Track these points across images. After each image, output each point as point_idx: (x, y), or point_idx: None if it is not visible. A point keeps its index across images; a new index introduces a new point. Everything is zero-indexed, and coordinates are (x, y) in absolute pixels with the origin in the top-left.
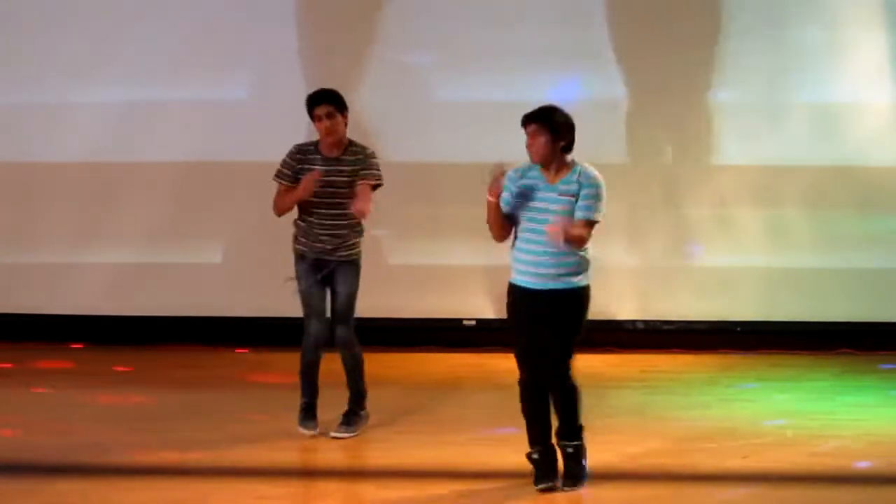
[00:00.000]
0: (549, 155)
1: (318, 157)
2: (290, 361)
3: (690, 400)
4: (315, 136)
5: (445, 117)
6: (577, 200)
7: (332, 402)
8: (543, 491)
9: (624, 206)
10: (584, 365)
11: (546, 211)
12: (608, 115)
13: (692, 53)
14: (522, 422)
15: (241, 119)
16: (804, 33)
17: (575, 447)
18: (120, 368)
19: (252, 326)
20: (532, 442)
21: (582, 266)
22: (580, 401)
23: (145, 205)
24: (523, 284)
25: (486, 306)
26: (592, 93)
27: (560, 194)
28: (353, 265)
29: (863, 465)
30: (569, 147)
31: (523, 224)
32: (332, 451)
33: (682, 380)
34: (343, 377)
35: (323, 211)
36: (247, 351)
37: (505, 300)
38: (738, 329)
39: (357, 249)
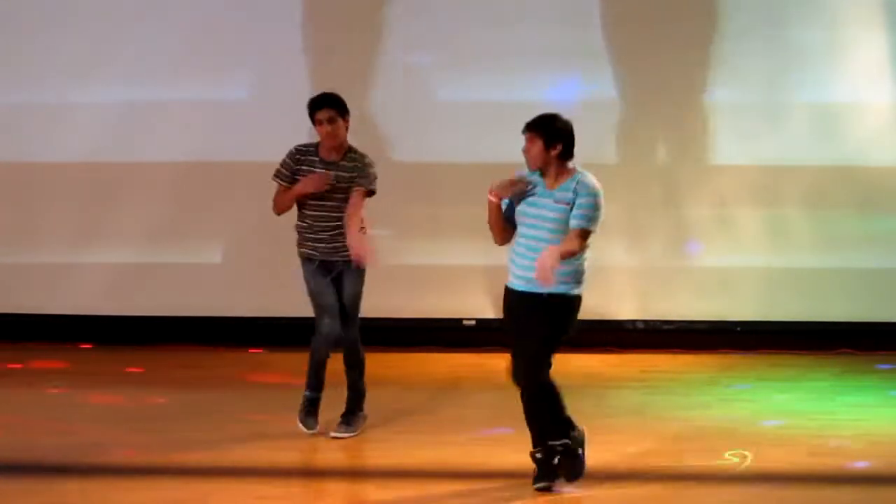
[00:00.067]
0: (543, 162)
1: (318, 159)
2: (290, 361)
3: (690, 400)
4: (316, 138)
5: (445, 117)
6: (572, 209)
7: (332, 401)
8: (540, 490)
9: (624, 207)
10: (584, 365)
11: (541, 217)
12: (608, 115)
13: (692, 53)
14: (522, 422)
15: (241, 119)
16: (804, 33)
17: (563, 444)
18: (120, 368)
19: (252, 326)
20: (534, 442)
21: (574, 276)
22: (559, 398)
23: (145, 205)
24: (517, 288)
25: (486, 306)
26: (592, 93)
27: (555, 201)
28: (358, 266)
29: (862, 464)
30: (566, 154)
31: (519, 228)
32: (331, 451)
33: (682, 380)
34: (343, 377)
35: (318, 213)
36: (247, 351)
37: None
38: (738, 329)
39: None
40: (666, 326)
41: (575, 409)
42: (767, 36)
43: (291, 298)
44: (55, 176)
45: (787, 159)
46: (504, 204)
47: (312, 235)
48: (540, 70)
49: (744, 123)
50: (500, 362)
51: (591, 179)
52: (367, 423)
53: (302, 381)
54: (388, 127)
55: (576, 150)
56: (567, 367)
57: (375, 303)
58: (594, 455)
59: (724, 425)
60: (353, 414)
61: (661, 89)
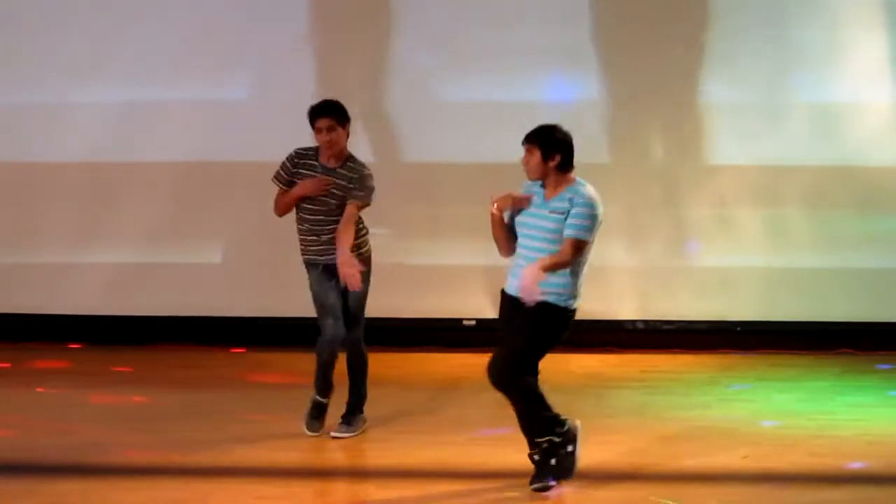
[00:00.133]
0: (542, 173)
1: (317, 164)
2: (290, 361)
3: (690, 400)
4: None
5: (445, 117)
6: (567, 219)
7: (333, 402)
8: (537, 490)
9: (623, 207)
10: (584, 365)
11: (537, 227)
12: (608, 114)
13: (692, 53)
14: None
15: (241, 119)
16: (804, 33)
17: (548, 441)
18: (120, 368)
19: (252, 326)
20: (530, 444)
21: (565, 289)
22: (538, 398)
23: (145, 205)
24: (510, 293)
25: (486, 306)
26: (592, 93)
27: (550, 211)
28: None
29: (862, 465)
30: (565, 165)
31: (519, 238)
32: (332, 451)
33: (682, 380)
34: (344, 377)
35: (315, 218)
36: (247, 351)
37: None
38: (738, 329)
39: (361, 251)
40: (666, 326)
41: (575, 409)
42: (767, 36)
43: (291, 298)
44: (55, 176)
45: (787, 159)
46: (506, 216)
47: (312, 238)
48: (540, 70)
49: (744, 123)
50: None
51: (588, 189)
52: (367, 423)
53: (302, 380)
54: (388, 127)
55: (576, 149)
56: (567, 367)
57: (375, 303)
58: (594, 455)
59: (723, 425)
60: (353, 414)
61: (661, 89)
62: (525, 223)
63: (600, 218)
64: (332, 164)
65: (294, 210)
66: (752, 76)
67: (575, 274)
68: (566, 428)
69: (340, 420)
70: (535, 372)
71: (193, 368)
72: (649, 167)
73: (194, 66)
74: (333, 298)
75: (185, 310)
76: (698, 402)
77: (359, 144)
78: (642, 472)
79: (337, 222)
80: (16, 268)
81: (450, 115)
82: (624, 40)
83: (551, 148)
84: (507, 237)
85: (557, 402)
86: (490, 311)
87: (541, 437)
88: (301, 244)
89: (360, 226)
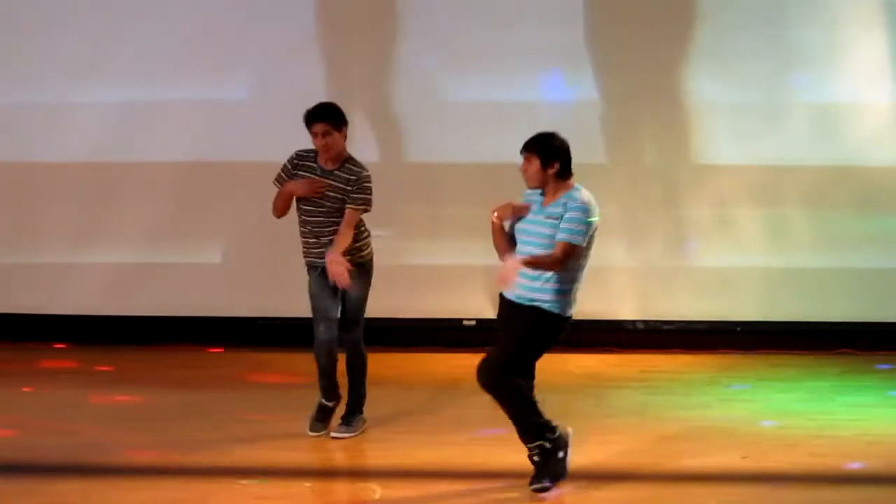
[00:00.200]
0: (541, 181)
1: (316, 166)
2: (290, 361)
3: (690, 400)
4: None
5: (445, 117)
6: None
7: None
8: (536, 491)
9: (623, 207)
10: (584, 365)
11: (533, 233)
12: (608, 114)
13: (691, 53)
14: None
15: (241, 119)
16: (804, 33)
17: (538, 447)
18: (120, 368)
19: (252, 326)
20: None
21: (558, 296)
22: (527, 403)
23: (145, 205)
24: (506, 296)
25: (486, 306)
26: (592, 93)
27: (546, 217)
28: (360, 269)
29: (862, 465)
30: (563, 172)
31: (518, 244)
32: (331, 451)
33: (682, 380)
34: (344, 378)
35: (314, 220)
36: (247, 351)
37: None
38: (738, 329)
39: (362, 253)
40: (666, 326)
41: (575, 409)
42: (767, 36)
43: (291, 298)
44: (55, 176)
45: (787, 159)
46: (507, 225)
47: (312, 241)
48: (540, 70)
49: (744, 123)
50: None
51: (583, 195)
52: (367, 423)
53: (302, 380)
54: (388, 127)
55: (577, 150)
56: (567, 367)
57: (376, 303)
58: (594, 455)
59: (723, 425)
60: (353, 415)
61: (662, 89)
62: (524, 230)
63: (594, 223)
64: (329, 166)
65: (296, 212)
66: (751, 76)
67: (571, 281)
68: (557, 434)
69: (340, 420)
70: (530, 375)
71: (193, 368)
72: (649, 167)
73: (194, 66)
74: (328, 303)
75: (185, 310)
76: (698, 402)
77: (359, 145)
78: (642, 472)
79: (337, 225)
80: (16, 268)
81: (450, 115)
82: (623, 41)
83: (550, 156)
84: (507, 245)
85: (557, 403)
86: (490, 312)
87: (531, 443)
88: (303, 246)
89: (362, 228)
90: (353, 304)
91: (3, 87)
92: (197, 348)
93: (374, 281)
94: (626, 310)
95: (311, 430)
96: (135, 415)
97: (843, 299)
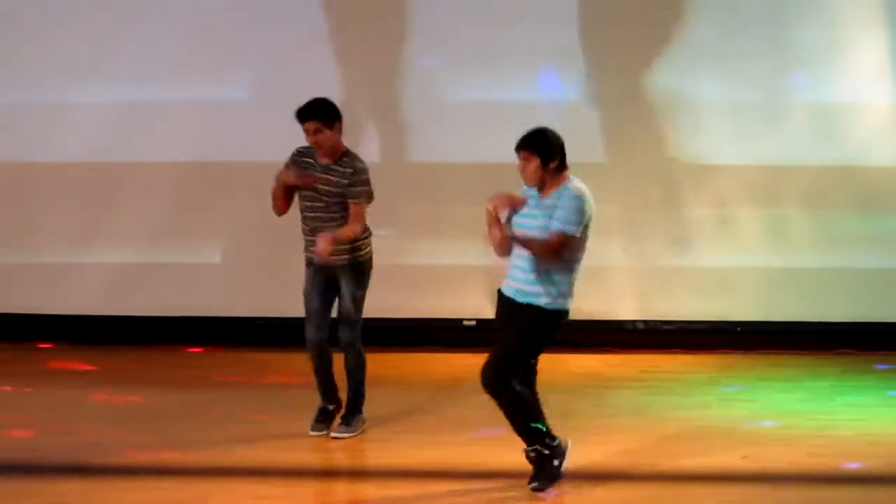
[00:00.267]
0: (540, 179)
1: (314, 162)
2: (290, 361)
3: (690, 400)
4: None
5: (445, 117)
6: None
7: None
8: (535, 490)
9: (623, 207)
10: (584, 365)
11: (530, 227)
12: (608, 114)
13: (691, 53)
14: None
15: (241, 119)
16: (804, 33)
17: (534, 450)
18: (120, 368)
19: (252, 326)
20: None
21: (553, 290)
22: (525, 406)
23: (145, 205)
24: (504, 292)
25: (487, 306)
26: (592, 93)
27: (542, 210)
28: (356, 269)
29: (862, 465)
30: (560, 167)
31: None
32: (331, 451)
33: (682, 380)
34: (344, 378)
35: (312, 215)
36: (246, 351)
37: None
38: (738, 329)
39: (360, 253)
40: (666, 326)
41: (575, 409)
42: (767, 36)
43: (291, 298)
44: (55, 176)
45: (787, 159)
46: (503, 216)
47: (310, 238)
48: (540, 70)
49: (743, 123)
50: None
51: (577, 185)
52: (366, 423)
53: (302, 380)
54: (388, 127)
55: (576, 149)
56: (567, 367)
57: (376, 303)
58: (594, 455)
59: (723, 425)
60: (352, 415)
61: (661, 89)
62: (520, 223)
63: (588, 212)
64: (326, 161)
65: (298, 209)
66: (751, 76)
67: (568, 273)
68: (556, 443)
69: (340, 421)
70: (531, 373)
71: (193, 368)
72: (649, 167)
73: (194, 66)
74: (315, 303)
75: (185, 310)
76: (698, 402)
77: (359, 144)
78: (642, 472)
79: (336, 221)
80: (16, 268)
81: (450, 115)
82: (623, 41)
83: (549, 154)
84: (502, 237)
85: (557, 403)
86: (490, 312)
87: (528, 446)
88: (305, 242)
89: (350, 235)
90: (346, 303)
91: (3, 87)
92: (197, 348)
93: (374, 281)
94: (626, 310)
95: (313, 430)
96: (135, 415)
97: (843, 299)
